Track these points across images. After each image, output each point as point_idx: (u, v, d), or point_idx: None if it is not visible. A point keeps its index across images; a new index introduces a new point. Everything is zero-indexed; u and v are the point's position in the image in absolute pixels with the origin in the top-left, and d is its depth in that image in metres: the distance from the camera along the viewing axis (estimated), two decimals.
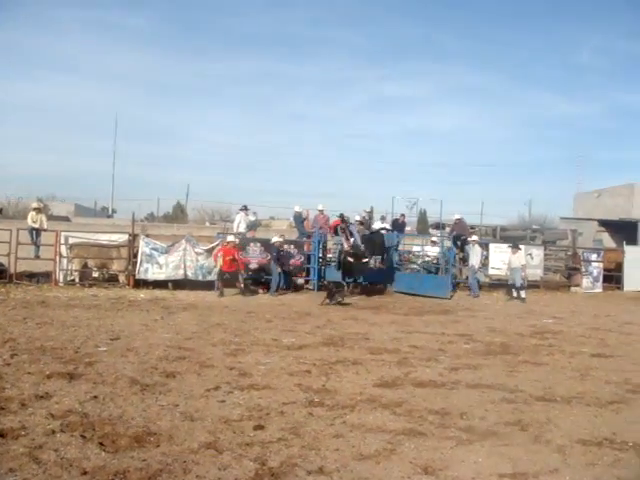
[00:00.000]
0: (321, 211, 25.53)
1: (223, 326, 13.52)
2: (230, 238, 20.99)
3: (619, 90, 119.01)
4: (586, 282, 26.53)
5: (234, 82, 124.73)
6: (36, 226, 21.74)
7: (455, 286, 23.50)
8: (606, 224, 37.50)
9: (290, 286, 21.99)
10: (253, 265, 21.87)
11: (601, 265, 27.01)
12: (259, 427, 6.54)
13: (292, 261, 22.28)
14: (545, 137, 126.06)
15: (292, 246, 22.85)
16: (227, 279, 20.29)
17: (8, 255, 20.49)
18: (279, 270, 21.02)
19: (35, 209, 22.46)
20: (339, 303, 17.97)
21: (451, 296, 21.84)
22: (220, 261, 20.22)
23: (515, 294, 21.79)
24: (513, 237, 31.66)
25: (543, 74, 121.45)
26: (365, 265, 20.42)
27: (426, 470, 5.56)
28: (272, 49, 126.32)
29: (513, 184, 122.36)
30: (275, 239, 21.41)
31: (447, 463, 5.74)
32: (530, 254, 25.51)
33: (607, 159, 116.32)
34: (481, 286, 23.56)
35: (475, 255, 22.80)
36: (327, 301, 18.03)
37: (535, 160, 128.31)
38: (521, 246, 23.27)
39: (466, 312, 18.06)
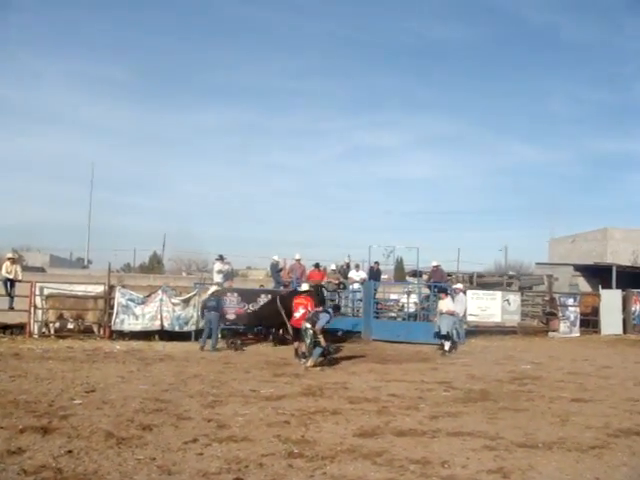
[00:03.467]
0: (298, 260, 25.48)
1: (200, 377, 13.38)
2: (304, 287, 18.89)
3: (589, 137, 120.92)
4: (563, 327, 26.66)
5: (209, 133, 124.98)
6: (10, 277, 21.48)
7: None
8: (581, 269, 37.77)
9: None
10: (231, 315, 21.69)
11: (578, 309, 27.19)
12: None
13: None
14: (518, 184, 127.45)
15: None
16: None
17: None
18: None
19: (10, 259, 22.23)
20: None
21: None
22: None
23: (446, 346, 19.39)
24: (489, 283, 31.86)
25: (514, 122, 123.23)
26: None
27: None
28: (248, 100, 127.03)
29: (488, 231, 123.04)
30: (214, 288, 20.50)
31: None
32: (507, 300, 25.70)
33: (580, 205, 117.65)
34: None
35: (460, 304, 22.55)
36: None
37: (509, 207, 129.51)
38: (449, 292, 22.00)
39: (444, 359, 18.01)
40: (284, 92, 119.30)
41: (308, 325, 15.63)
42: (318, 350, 15.47)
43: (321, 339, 15.52)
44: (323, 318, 15.82)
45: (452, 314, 19.83)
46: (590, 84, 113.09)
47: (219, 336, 20.16)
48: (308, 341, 15.39)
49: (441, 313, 19.78)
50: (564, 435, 8.75)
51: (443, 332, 19.32)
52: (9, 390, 11.11)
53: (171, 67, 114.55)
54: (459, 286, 23.32)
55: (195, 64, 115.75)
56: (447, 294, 20.65)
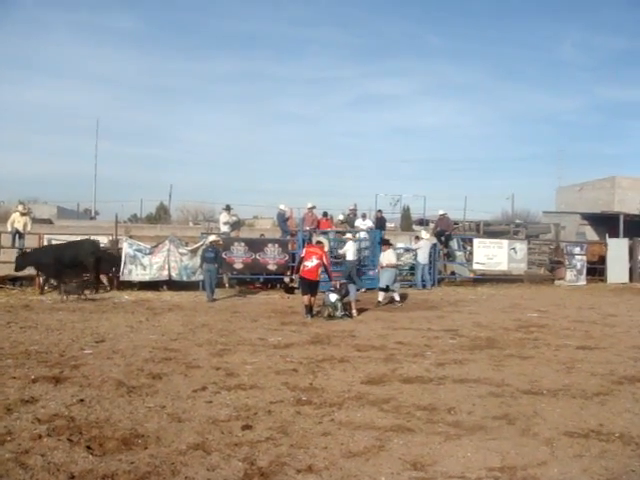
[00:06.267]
0: (311, 209, 25.06)
1: (209, 326, 13.48)
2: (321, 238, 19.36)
3: (599, 85, 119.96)
4: (570, 275, 26.74)
5: (218, 82, 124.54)
6: (20, 227, 21.53)
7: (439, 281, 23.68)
8: (588, 217, 37.60)
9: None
10: (238, 265, 21.77)
11: (584, 258, 27.22)
12: (247, 427, 6.53)
13: (277, 260, 22.15)
14: (527, 132, 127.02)
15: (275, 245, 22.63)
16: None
17: None
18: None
19: (19, 212, 22.21)
20: None
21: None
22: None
23: (380, 297, 18.29)
24: (496, 232, 31.83)
25: (525, 70, 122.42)
26: None
27: (415, 466, 5.57)
28: (256, 49, 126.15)
29: (496, 179, 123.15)
30: (211, 238, 19.98)
31: (436, 458, 5.75)
32: (514, 248, 25.72)
33: (588, 153, 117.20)
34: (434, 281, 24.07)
35: (422, 251, 23.32)
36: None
37: (517, 155, 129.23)
38: (392, 243, 22.32)
39: (451, 307, 18.10)
40: (294, 40, 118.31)
41: (337, 296, 15.47)
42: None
43: (354, 308, 15.81)
44: (352, 289, 16.08)
45: (394, 267, 18.77)
46: (601, 31, 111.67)
47: (227, 286, 20.34)
48: (338, 313, 15.25)
49: (382, 267, 18.83)
50: (569, 382, 8.83)
51: (382, 285, 18.56)
52: (21, 341, 11.22)
53: (179, 15, 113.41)
54: (423, 234, 23.74)
55: (204, 11, 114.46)
56: (389, 246, 19.80)
